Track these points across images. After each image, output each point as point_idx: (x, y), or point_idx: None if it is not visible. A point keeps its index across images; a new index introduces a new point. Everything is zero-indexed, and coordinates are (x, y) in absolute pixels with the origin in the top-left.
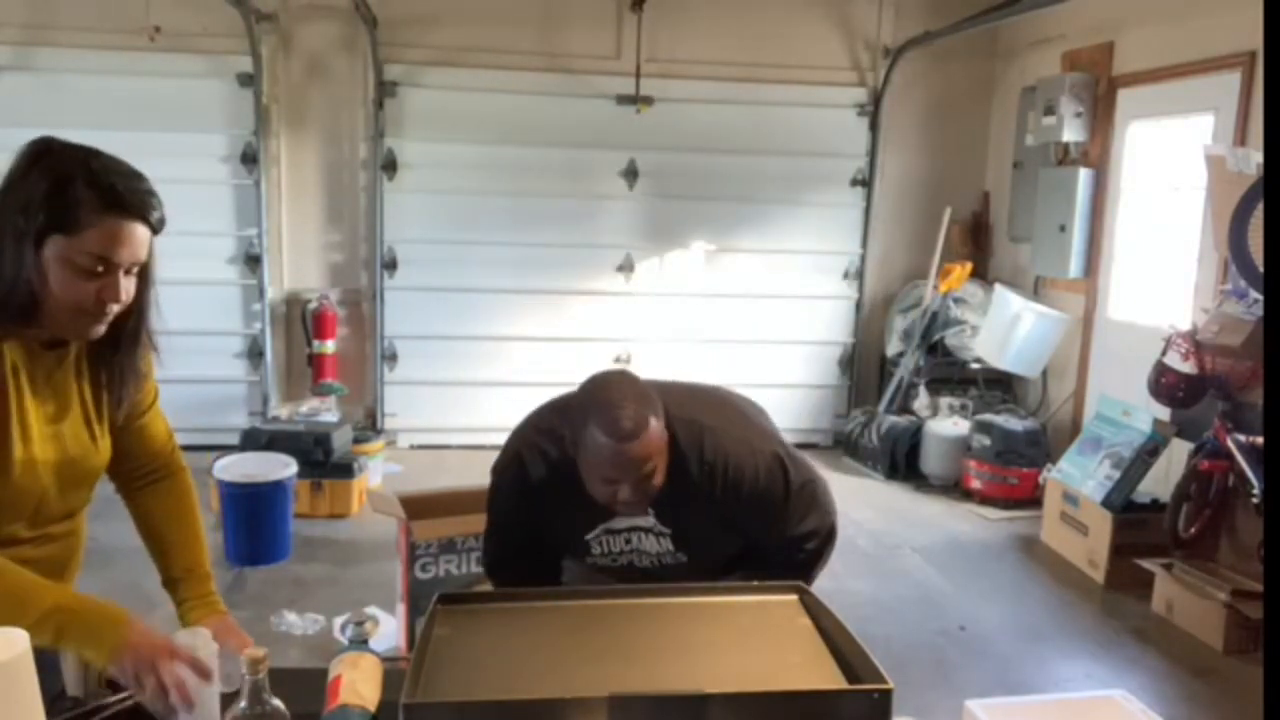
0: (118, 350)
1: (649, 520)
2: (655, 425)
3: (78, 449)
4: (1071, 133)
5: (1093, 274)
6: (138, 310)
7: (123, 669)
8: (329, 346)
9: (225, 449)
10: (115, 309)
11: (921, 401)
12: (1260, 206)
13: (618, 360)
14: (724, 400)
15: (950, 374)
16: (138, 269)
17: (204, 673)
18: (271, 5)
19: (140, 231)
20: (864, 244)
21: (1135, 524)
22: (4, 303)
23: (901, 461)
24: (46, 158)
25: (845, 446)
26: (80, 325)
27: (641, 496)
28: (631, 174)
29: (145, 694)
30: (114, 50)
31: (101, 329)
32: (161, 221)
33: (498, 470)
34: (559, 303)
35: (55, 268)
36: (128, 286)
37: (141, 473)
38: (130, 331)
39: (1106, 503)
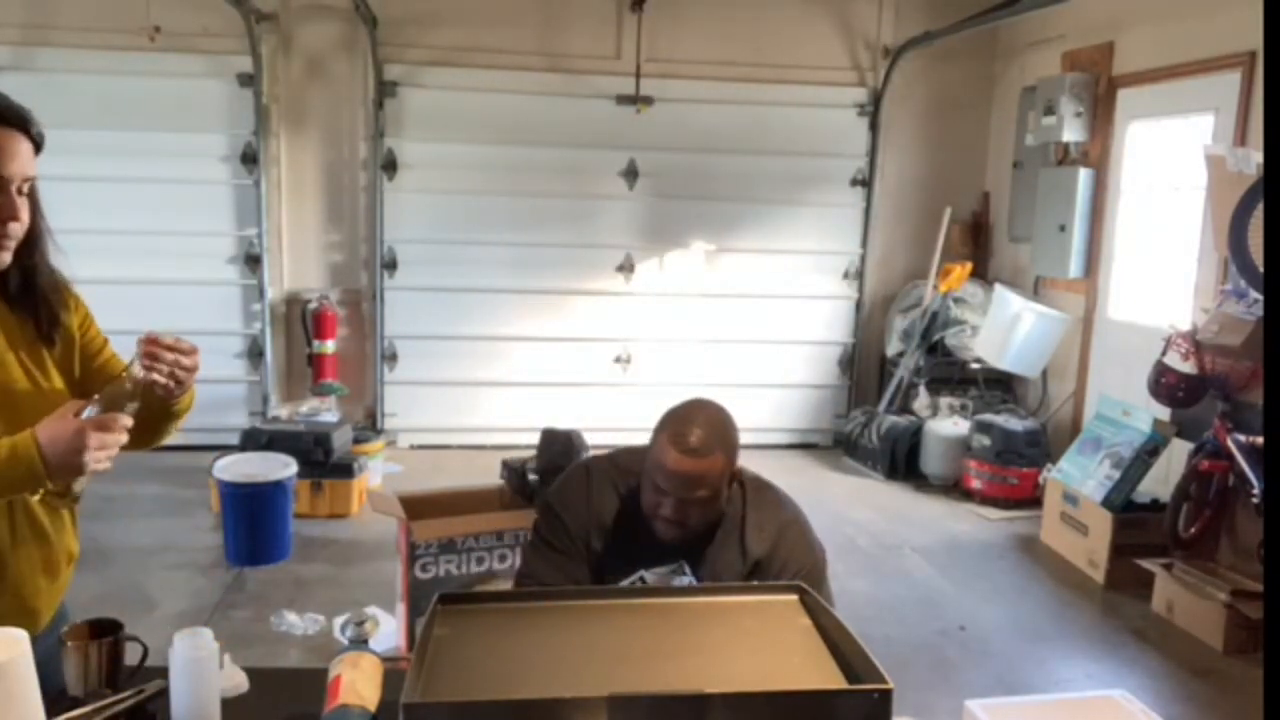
0: (33, 282)
1: (685, 577)
2: (720, 460)
3: (18, 391)
4: (1071, 133)
5: (1093, 274)
6: (36, 241)
7: (61, 465)
8: (329, 346)
9: (225, 449)
10: (16, 230)
11: (921, 401)
12: (1260, 206)
13: (618, 360)
14: (789, 496)
15: (950, 374)
16: (28, 190)
17: (124, 428)
18: (271, 5)
19: (24, 144)
20: (864, 244)
21: (1135, 524)
22: None
23: (901, 461)
24: None
25: (845, 446)
26: None
27: (680, 520)
28: (631, 174)
29: (95, 462)
30: (114, 50)
31: (6, 257)
32: (41, 136)
33: (553, 490)
34: (559, 303)
35: None
36: (22, 206)
37: None
38: (38, 260)
39: (1106, 503)
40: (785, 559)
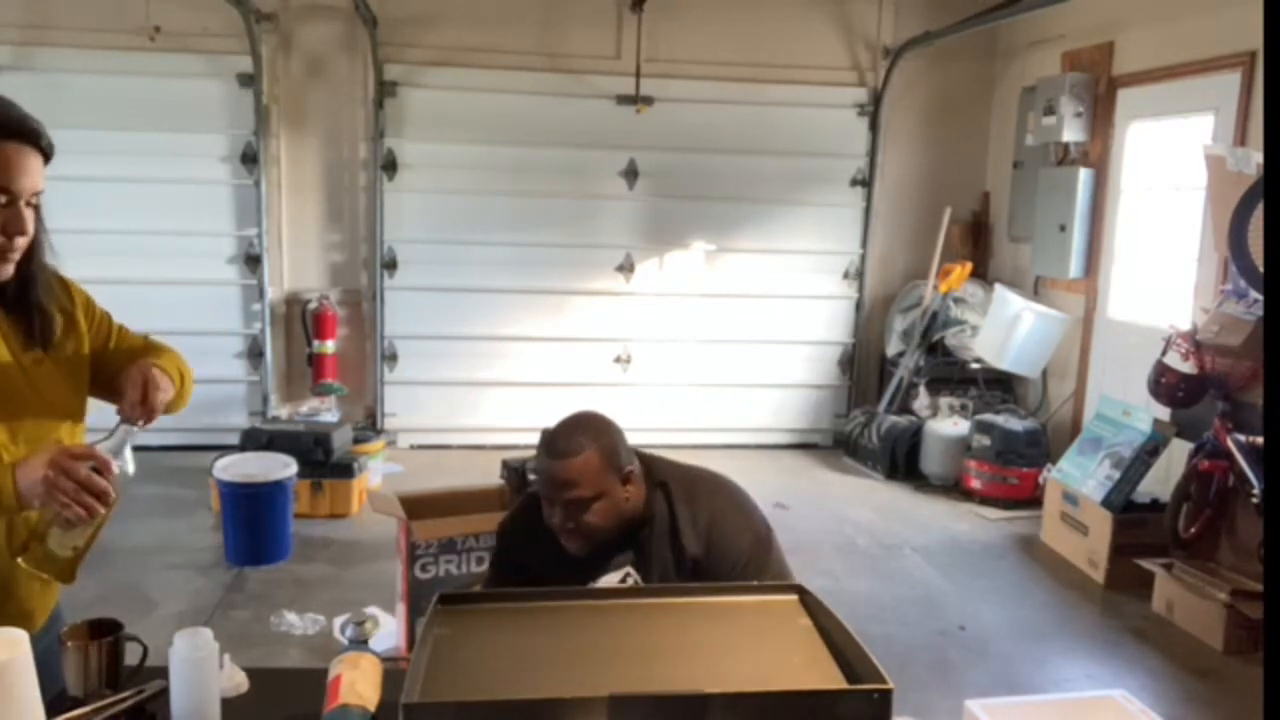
0: (29, 289)
1: (632, 580)
2: (593, 459)
3: (17, 396)
4: (1071, 133)
5: (1093, 274)
6: (35, 248)
7: (35, 494)
8: (329, 346)
9: (225, 449)
10: (22, 243)
11: (921, 401)
12: (1260, 206)
13: (618, 360)
14: (723, 480)
15: (950, 374)
16: (34, 202)
17: (105, 465)
18: (271, 5)
19: (35, 158)
20: (864, 244)
21: (1135, 524)
22: None
23: (901, 461)
24: None
25: (845, 446)
26: None
27: (572, 526)
28: (631, 174)
29: (68, 500)
30: (114, 50)
31: (9, 269)
32: (51, 147)
33: (505, 518)
34: (559, 303)
35: None
36: (29, 220)
37: None
38: (35, 269)
39: (1106, 503)
40: (723, 554)
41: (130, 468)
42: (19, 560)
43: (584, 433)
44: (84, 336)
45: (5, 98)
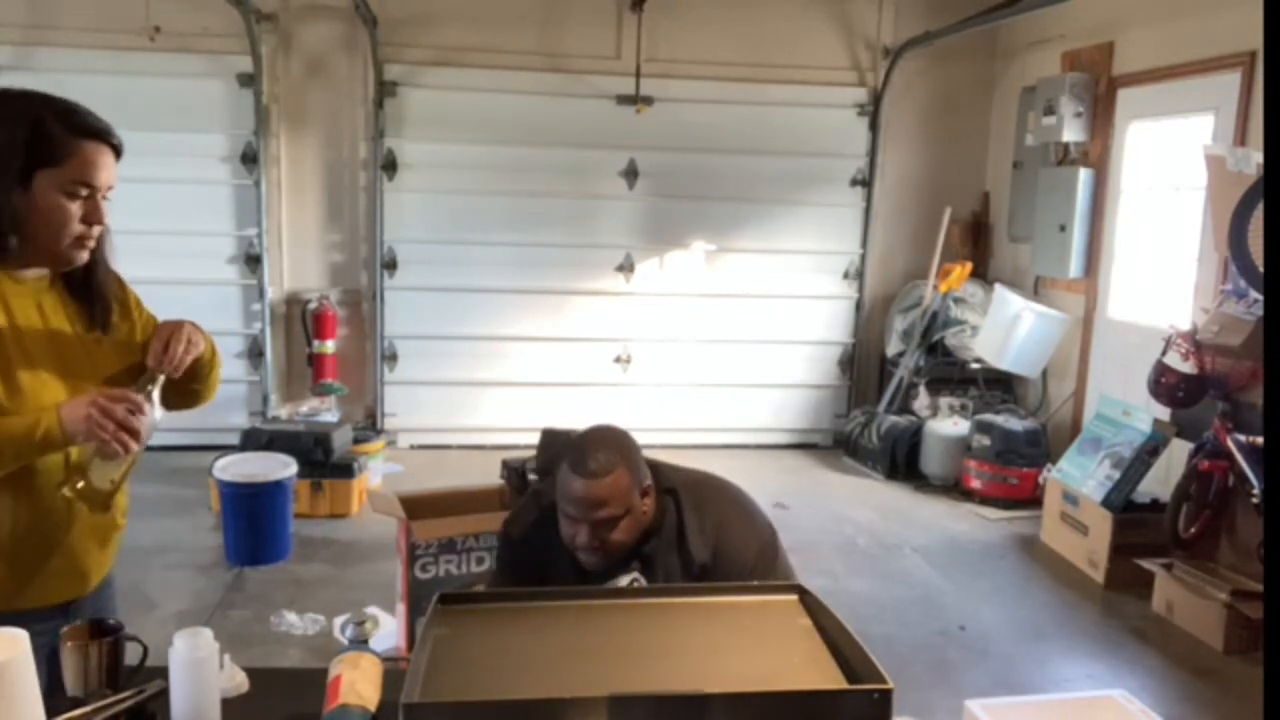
0: (93, 275)
1: (636, 581)
2: (623, 477)
3: (78, 369)
4: (1071, 133)
5: (1093, 274)
6: (101, 239)
7: (79, 430)
8: (329, 346)
9: (225, 449)
10: (97, 232)
11: (921, 401)
12: (1260, 206)
13: (618, 360)
14: (726, 485)
15: (950, 374)
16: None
17: (138, 407)
18: (271, 5)
19: (110, 155)
20: (864, 244)
21: (1135, 524)
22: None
23: (901, 461)
24: (5, 104)
25: (845, 446)
26: (71, 252)
27: (598, 544)
28: (631, 174)
29: (109, 436)
30: (114, 50)
31: (86, 255)
32: (121, 144)
33: (507, 519)
34: (559, 303)
35: (47, 200)
36: (106, 212)
37: None
38: (98, 257)
39: (1106, 503)
40: (730, 562)
41: (158, 414)
42: (64, 490)
43: (612, 450)
44: (135, 324)
45: (77, 102)
